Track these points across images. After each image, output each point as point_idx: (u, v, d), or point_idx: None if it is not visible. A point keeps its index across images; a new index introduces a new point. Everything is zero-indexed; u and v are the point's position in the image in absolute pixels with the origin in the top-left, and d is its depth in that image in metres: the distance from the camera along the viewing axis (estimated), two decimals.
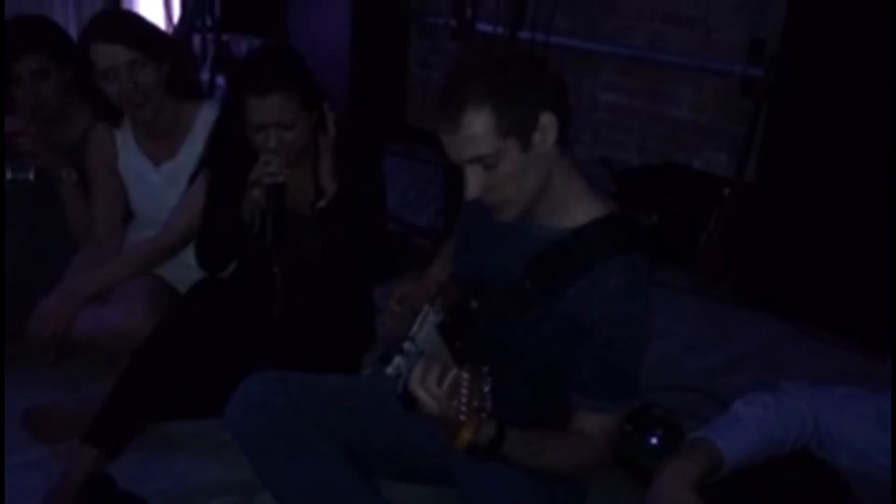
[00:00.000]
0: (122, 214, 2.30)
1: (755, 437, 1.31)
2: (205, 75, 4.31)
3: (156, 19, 4.51)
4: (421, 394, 1.22)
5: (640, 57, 3.66)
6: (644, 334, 1.42)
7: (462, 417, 1.15)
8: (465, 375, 1.18)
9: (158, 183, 2.23)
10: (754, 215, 2.97)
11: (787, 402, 1.35)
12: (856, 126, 2.65)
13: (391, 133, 4.36)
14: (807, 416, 1.34)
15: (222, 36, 4.40)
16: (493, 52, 1.35)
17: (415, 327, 1.39)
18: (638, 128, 3.77)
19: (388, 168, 2.21)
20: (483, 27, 3.42)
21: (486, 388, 1.17)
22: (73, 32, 2.30)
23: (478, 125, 1.28)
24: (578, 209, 1.42)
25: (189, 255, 2.06)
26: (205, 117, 2.15)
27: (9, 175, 2.21)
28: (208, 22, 4.38)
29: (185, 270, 2.14)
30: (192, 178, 2.06)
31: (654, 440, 1.99)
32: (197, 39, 4.44)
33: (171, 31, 4.55)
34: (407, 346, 1.35)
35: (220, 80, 4.10)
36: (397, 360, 1.33)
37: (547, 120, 1.32)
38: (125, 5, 4.63)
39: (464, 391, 1.17)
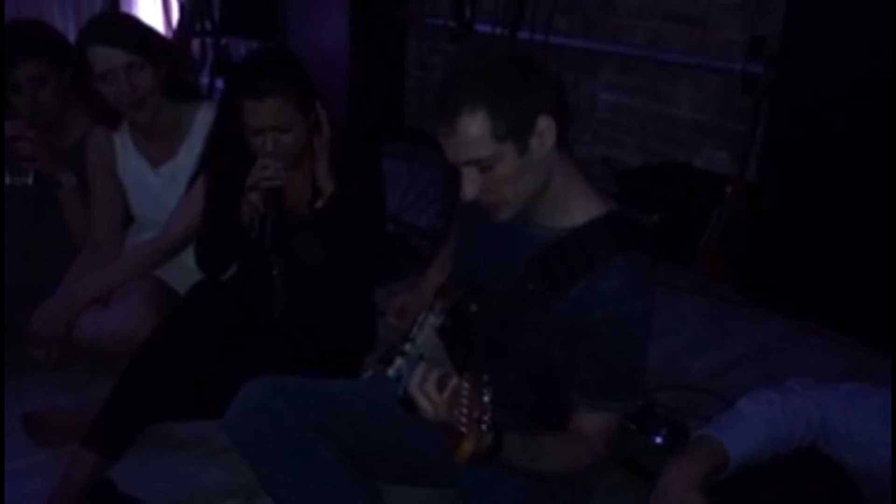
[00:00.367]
0: (121, 217, 2.29)
1: (760, 434, 1.30)
2: (204, 79, 4.31)
3: (155, 22, 4.52)
4: (420, 399, 1.21)
5: (639, 56, 3.65)
6: (645, 334, 1.41)
7: (463, 429, 1.13)
8: (466, 385, 1.16)
9: (157, 185, 2.22)
10: (756, 214, 2.96)
11: (793, 400, 1.34)
12: (857, 123, 2.64)
13: (391, 135, 4.36)
14: (813, 413, 1.33)
15: (221, 39, 4.40)
16: (491, 54, 1.34)
17: (415, 329, 1.39)
18: (638, 127, 3.77)
19: (388, 170, 2.20)
20: (482, 28, 3.42)
21: (487, 398, 1.15)
22: (73, 36, 2.30)
23: (474, 129, 1.27)
24: (578, 209, 1.41)
25: (189, 257, 2.05)
26: (203, 119, 2.15)
27: (7, 180, 2.22)
28: (207, 25, 4.38)
29: (185, 272, 2.13)
30: (192, 180, 2.05)
31: (658, 440, 1.98)
32: (196, 43, 4.44)
33: (169, 34, 4.55)
34: (407, 347, 1.34)
35: (220, 84, 4.10)
36: (398, 361, 1.32)
37: (544, 124, 1.31)
38: (124, 8, 4.62)
39: (464, 401, 1.15)
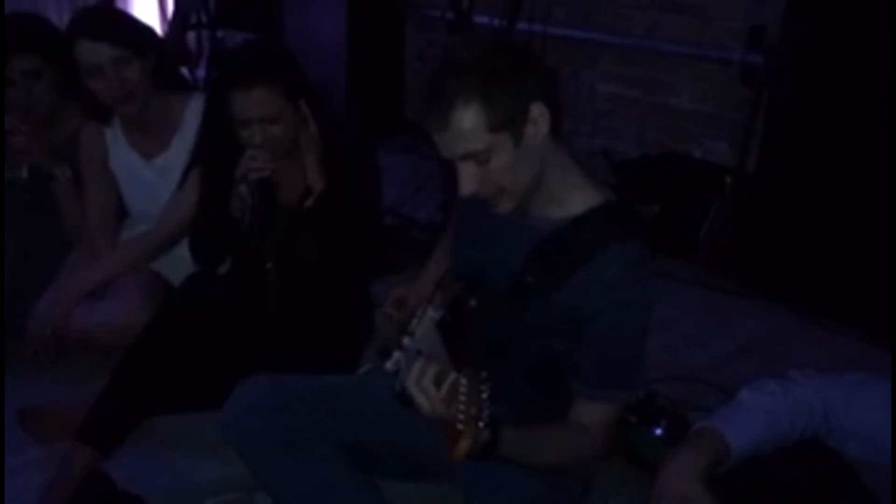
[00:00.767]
0: (115, 212, 2.29)
1: (762, 425, 1.29)
2: (200, 72, 4.29)
3: (150, 15, 4.50)
4: (416, 395, 1.20)
5: (638, 46, 3.63)
6: (645, 323, 1.40)
7: (460, 427, 1.12)
8: (464, 381, 1.15)
9: (150, 178, 2.21)
10: (756, 204, 2.95)
11: (795, 390, 1.32)
12: (857, 114, 2.63)
13: (389, 127, 4.35)
14: (815, 403, 1.31)
15: (217, 32, 4.37)
16: (480, 45, 1.32)
17: (414, 322, 1.37)
18: (637, 118, 3.75)
19: (386, 162, 2.19)
20: (480, 19, 3.40)
21: (485, 395, 1.14)
22: None
23: (467, 122, 1.26)
24: (575, 199, 1.41)
25: (184, 249, 2.05)
26: (194, 110, 2.14)
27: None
28: (203, 18, 4.36)
29: (180, 264, 2.13)
30: (185, 173, 2.04)
31: (658, 431, 1.97)
32: (192, 36, 4.42)
33: (165, 27, 4.53)
34: (406, 341, 1.33)
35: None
36: (396, 355, 1.31)
37: (538, 111, 1.30)
38: (119, 2, 4.60)
39: (462, 398, 1.13)
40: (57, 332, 2.06)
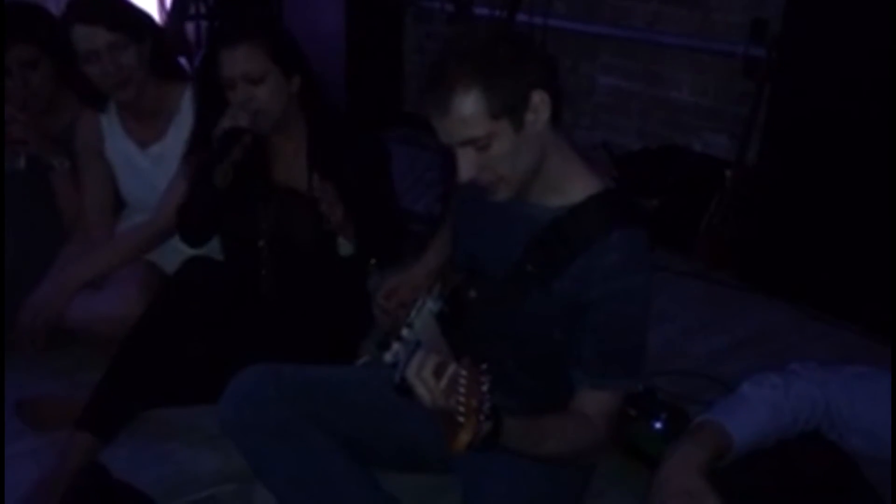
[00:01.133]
0: (111, 201, 2.28)
1: (763, 418, 1.28)
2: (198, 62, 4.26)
3: (148, 5, 4.47)
4: (416, 385, 1.19)
5: (638, 38, 3.61)
6: (645, 310, 1.40)
7: (460, 419, 1.11)
8: (464, 373, 1.14)
9: (146, 166, 2.20)
10: (756, 198, 2.94)
11: (797, 383, 1.32)
12: (859, 108, 2.62)
13: (388, 119, 4.33)
14: (817, 396, 1.31)
15: (215, 23, 4.35)
16: (481, 33, 1.32)
17: (413, 313, 1.36)
18: (637, 111, 3.74)
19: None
20: (480, 11, 3.38)
21: (485, 387, 1.13)
22: None
23: (468, 108, 1.26)
24: (574, 187, 1.40)
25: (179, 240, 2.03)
26: (190, 98, 2.12)
27: None
28: (201, 9, 4.34)
29: (176, 256, 2.11)
30: (182, 161, 2.03)
31: (657, 425, 1.97)
32: (190, 27, 4.40)
33: (163, 18, 4.50)
34: (405, 332, 1.32)
35: None
36: (395, 346, 1.31)
37: (538, 98, 1.30)
38: None
39: (461, 390, 1.13)
40: (49, 322, 2.05)
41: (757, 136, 3.01)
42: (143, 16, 2.15)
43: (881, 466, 1.29)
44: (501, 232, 1.45)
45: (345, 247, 1.91)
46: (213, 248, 2.07)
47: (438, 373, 1.18)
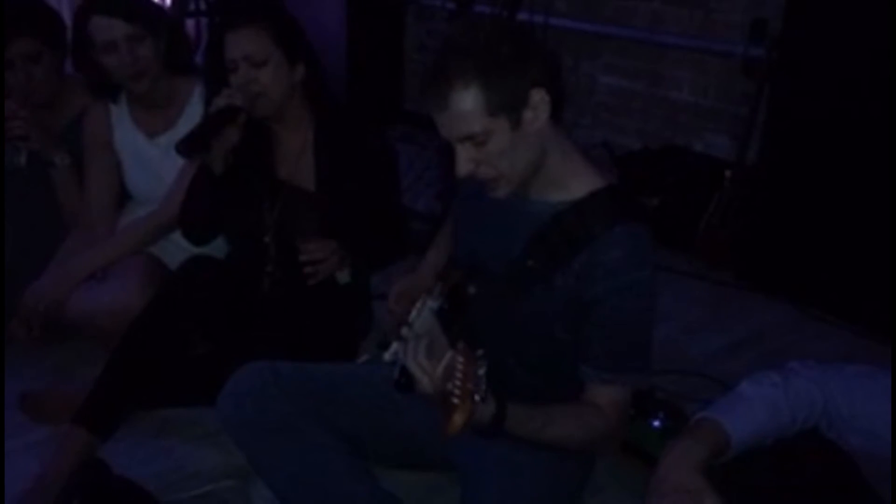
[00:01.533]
0: (115, 195, 2.27)
1: (762, 416, 1.28)
2: (199, 59, 4.26)
3: None
4: (415, 370, 1.20)
5: (639, 38, 3.61)
6: (650, 304, 1.40)
7: (455, 401, 1.13)
8: (460, 358, 1.17)
9: (154, 156, 2.20)
10: (756, 198, 2.94)
11: (796, 382, 1.32)
12: (859, 108, 2.61)
13: (389, 117, 4.33)
14: (815, 395, 1.31)
15: (215, 19, 4.35)
16: (483, 29, 1.32)
17: (413, 313, 1.37)
18: (638, 110, 3.74)
19: None
20: (480, 8, 3.38)
21: (481, 372, 1.16)
22: (66, 14, 2.27)
23: (467, 103, 1.26)
24: (576, 183, 1.40)
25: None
26: (201, 92, 2.14)
27: None
28: (202, 5, 4.34)
29: (179, 250, 2.12)
30: None
31: (656, 423, 1.97)
32: (190, 23, 4.40)
33: None
34: (405, 332, 1.33)
35: None
36: (395, 346, 1.31)
37: (538, 97, 1.30)
38: None
39: (458, 374, 1.15)
40: (50, 310, 2.05)
41: (757, 136, 3.02)
42: (159, 10, 2.18)
43: (879, 464, 1.30)
44: (502, 228, 1.45)
45: (342, 276, 1.91)
46: (215, 248, 2.08)
47: (435, 358, 1.20)
